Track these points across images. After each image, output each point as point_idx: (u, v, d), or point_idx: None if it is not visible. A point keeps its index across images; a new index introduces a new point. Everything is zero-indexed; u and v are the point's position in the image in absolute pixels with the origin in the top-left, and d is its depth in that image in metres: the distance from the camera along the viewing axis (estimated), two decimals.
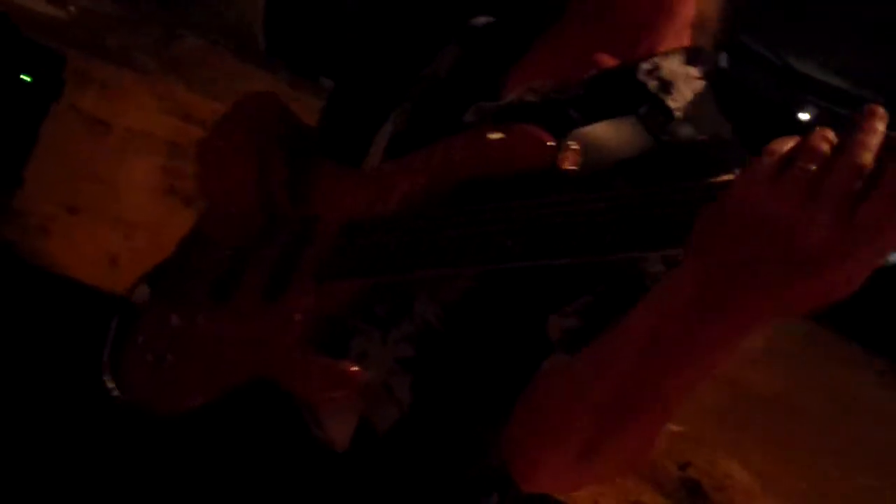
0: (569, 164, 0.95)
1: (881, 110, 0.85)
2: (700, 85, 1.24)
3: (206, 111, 7.95)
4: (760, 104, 23.83)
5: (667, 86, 1.20)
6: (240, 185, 1.25)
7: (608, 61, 1.21)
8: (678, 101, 1.19)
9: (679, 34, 1.26)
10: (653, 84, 1.20)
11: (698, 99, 1.21)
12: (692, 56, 1.25)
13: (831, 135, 0.88)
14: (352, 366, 1.13)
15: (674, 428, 6.45)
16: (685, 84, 1.21)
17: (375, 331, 1.21)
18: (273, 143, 1.28)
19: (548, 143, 0.99)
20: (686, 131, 1.15)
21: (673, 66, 1.23)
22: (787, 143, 0.92)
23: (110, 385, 1.34)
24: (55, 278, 3.75)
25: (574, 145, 0.96)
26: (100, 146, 5.91)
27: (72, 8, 10.04)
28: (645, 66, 1.21)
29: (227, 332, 1.24)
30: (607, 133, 1.07)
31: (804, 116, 25.53)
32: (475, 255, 1.01)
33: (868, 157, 0.82)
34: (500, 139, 1.06)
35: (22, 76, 2.73)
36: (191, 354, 1.28)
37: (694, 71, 1.24)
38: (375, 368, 1.19)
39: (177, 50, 10.72)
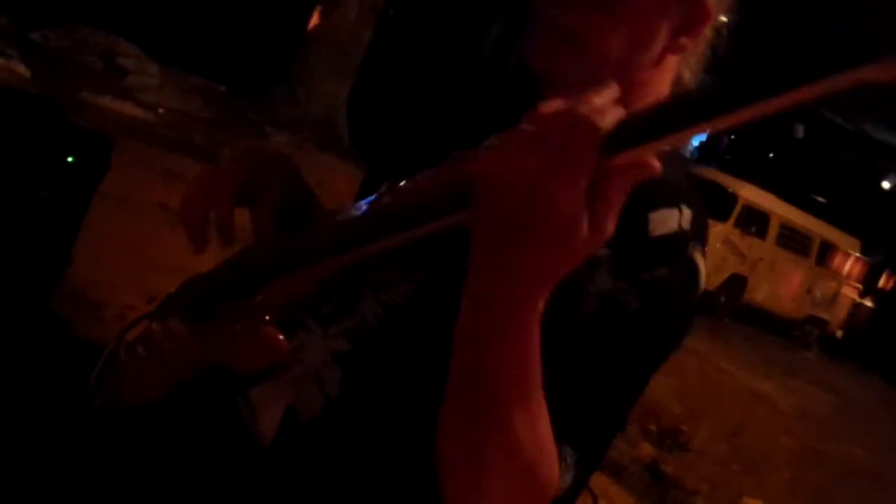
0: None
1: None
2: None
3: None
4: (842, 173, 23.59)
5: None
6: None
7: None
8: None
9: (656, 97, 1.30)
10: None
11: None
12: None
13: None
14: (279, 334, 1.19)
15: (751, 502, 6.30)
16: None
17: (318, 327, 1.28)
18: (262, 194, 1.32)
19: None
20: None
21: None
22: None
23: (92, 395, 1.39)
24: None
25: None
26: (181, 239, 6.06)
27: (160, 110, 10.36)
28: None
29: (197, 331, 1.28)
30: None
31: (886, 185, 25.15)
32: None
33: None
34: (446, 164, 1.17)
35: (67, 158, 2.85)
36: (157, 348, 1.32)
37: None
38: (310, 359, 1.26)
39: (263, 146, 10.99)
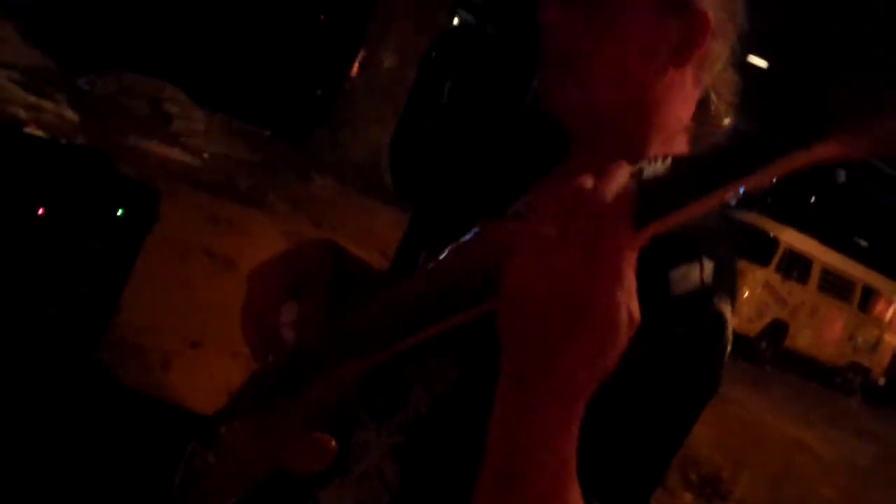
0: None
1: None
2: None
3: None
4: (884, 217, 23.42)
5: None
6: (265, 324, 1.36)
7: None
8: None
9: (668, 142, 1.30)
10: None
11: None
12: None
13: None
14: (330, 439, 1.19)
15: None
16: None
17: (372, 422, 1.28)
18: (309, 285, 1.37)
19: (510, 227, 1.06)
20: None
21: (656, 170, 1.26)
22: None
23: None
24: (161, 405, 3.89)
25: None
26: (226, 283, 6.11)
27: (206, 155, 10.49)
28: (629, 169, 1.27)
29: (259, 431, 1.32)
30: None
31: None
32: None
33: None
34: (474, 234, 1.14)
35: (117, 211, 2.93)
36: (229, 456, 1.36)
37: None
38: (370, 455, 1.26)
39: (307, 190, 11.11)
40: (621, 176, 0.91)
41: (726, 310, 1.16)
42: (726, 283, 1.18)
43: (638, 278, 0.90)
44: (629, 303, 0.87)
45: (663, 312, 1.10)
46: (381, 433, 1.27)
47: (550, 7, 1.27)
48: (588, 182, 0.89)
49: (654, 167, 1.25)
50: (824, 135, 0.79)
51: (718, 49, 1.29)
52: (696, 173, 0.90)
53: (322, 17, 14.50)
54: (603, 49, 1.25)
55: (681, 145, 1.31)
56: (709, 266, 1.15)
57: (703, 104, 1.32)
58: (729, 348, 1.19)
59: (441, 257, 1.21)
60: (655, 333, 1.07)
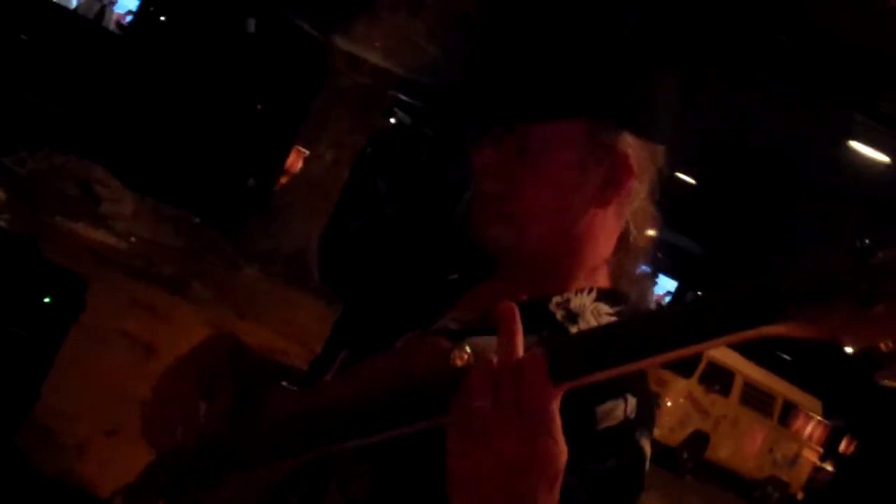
0: (460, 363, 1.03)
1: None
2: (609, 319, 1.32)
3: (256, 339, 8.12)
4: None
5: (574, 316, 1.31)
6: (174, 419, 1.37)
7: (524, 298, 1.32)
8: (582, 329, 1.30)
9: (591, 275, 1.36)
10: (560, 314, 1.31)
11: None
12: (604, 295, 1.36)
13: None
14: None
15: None
16: (593, 316, 1.32)
17: None
18: (217, 383, 1.38)
19: (442, 346, 1.08)
20: None
21: (583, 301, 1.34)
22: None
23: None
24: (73, 493, 3.79)
25: (467, 348, 1.04)
26: (144, 370, 6.02)
27: (132, 238, 10.39)
28: (556, 299, 1.32)
29: None
30: None
31: (849, 349, 25.34)
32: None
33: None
34: (401, 348, 1.22)
35: (44, 298, 2.88)
36: None
37: (605, 307, 1.34)
38: None
39: (232, 279, 11.03)
40: (517, 342, 0.99)
41: (646, 445, 1.24)
42: (647, 418, 1.25)
43: (565, 411, 0.99)
44: (560, 443, 0.97)
45: (588, 445, 1.17)
46: None
47: (484, 149, 1.34)
48: (510, 354, 0.98)
49: (580, 299, 1.34)
50: (772, 320, 0.85)
51: (638, 187, 1.35)
52: (626, 340, 0.96)
53: (259, 106, 14.55)
54: (531, 192, 1.32)
55: (603, 277, 1.38)
56: (632, 402, 1.22)
57: (623, 237, 1.38)
58: (643, 484, 1.25)
59: (369, 365, 1.22)
60: (580, 466, 1.14)
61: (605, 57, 1.33)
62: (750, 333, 0.87)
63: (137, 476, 1.45)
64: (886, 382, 0.82)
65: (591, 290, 1.35)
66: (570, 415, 0.98)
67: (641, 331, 0.95)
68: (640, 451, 1.22)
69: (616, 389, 1.20)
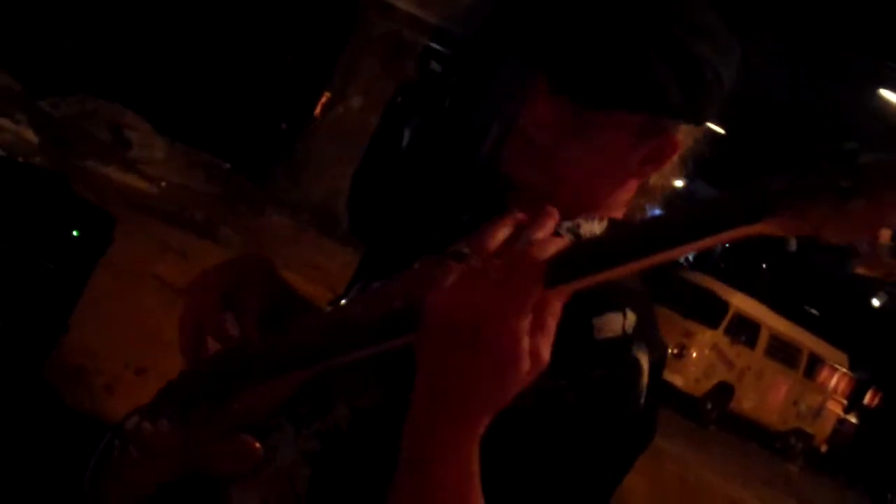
0: None
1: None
2: None
3: None
4: (833, 288, 23.74)
5: (579, 239, 1.32)
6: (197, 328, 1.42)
7: None
8: None
9: (609, 210, 1.38)
10: (569, 238, 1.29)
11: None
12: (616, 225, 1.37)
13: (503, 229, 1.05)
14: (255, 442, 1.26)
15: None
16: None
17: (291, 427, 1.32)
18: (244, 297, 1.44)
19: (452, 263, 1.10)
20: None
21: (592, 227, 1.36)
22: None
23: (86, 491, 1.47)
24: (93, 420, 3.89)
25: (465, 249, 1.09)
26: (174, 312, 6.09)
27: (163, 183, 10.47)
28: (566, 223, 1.33)
29: (183, 431, 1.36)
30: None
31: (876, 302, 25.24)
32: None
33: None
34: (416, 268, 1.24)
35: (72, 232, 2.96)
36: (150, 451, 1.40)
37: None
38: (282, 458, 1.30)
39: (261, 225, 11.11)
40: (548, 226, 1.01)
41: (643, 359, 1.23)
42: (647, 334, 1.25)
43: (563, 321, 1.00)
44: (536, 342, 0.97)
45: (583, 354, 1.18)
46: (298, 438, 1.32)
47: (540, 100, 1.33)
48: (517, 226, 1.01)
49: (590, 225, 1.35)
50: (758, 218, 0.88)
51: (670, 167, 1.38)
52: (614, 244, 0.99)
53: (289, 55, 14.55)
54: (577, 158, 1.32)
55: (618, 213, 1.39)
56: (632, 317, 1.23)
57: (643, 184, 1.40)
58: (643, 399, 1.25)
59: (382, 287, 1.27)
60: (573, 373, 1.16)
61: (665, 52, 1.29)
62: (735, 233, 0.90)
63: (154, 395, 1.51)
64: (860, 270, 0.85)
65: (602, 219, 1.37)
66: (568, 325, 1.00)
67: (633, 236, 0.99)
68: (636, 363, 1.22)
69: (616, 303, 1.21)
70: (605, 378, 1.19)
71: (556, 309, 0.98)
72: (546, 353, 0.98)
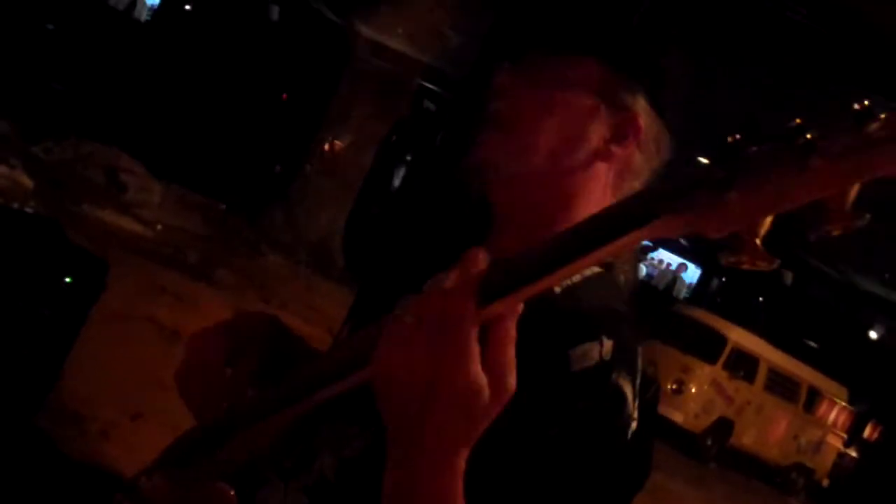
0: None
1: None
2: (593, 272, 1.32)
3: None
4: (830, 321, 23.75)
5: (571, 290, 1.29)
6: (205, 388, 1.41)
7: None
8: (563, 288, 1.29)
9: (584, 202, 1.36)
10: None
11: (586, 281, 1.30)
12: None
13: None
14: (229, 489, 1.24)
15: None
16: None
17: (279, 481, 1.32)
18: (245, 355, 1.43)
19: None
20: (560, 300, 1.25)
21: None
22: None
23: None
24: (98, 473, 3.86)
25: None
26: (170, 355, 6.07)
27: (159, 226, 10.47)
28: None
29: (175, 484, 1.36)
30: None
31: (874, 335, 25.24)
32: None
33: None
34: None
35: (66, 278, 2.96)
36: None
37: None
38: None
39: (257, 266, 11.10)
40: (472, 262, 0.98)
41: (626, 386, 1.22)
42: (626, 361, 1.24)
43: (538, 356, 1.02)
44: (495, 370, 0.94)
45: (563, 388, 1.17)
46: (287, 493, 1.31)
47: (504, 73, 1.37)
48: (443, 274, 0.98)
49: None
50: (646, 222, 0.88)
51: (639, 165, 1.38)
52: (541, 253, 0.97)
53: (284, 96, 14.61)
54: (536, 117, 1.34)
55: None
56: (608, 344, 1.21)
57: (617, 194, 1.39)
58: (633, 426, 1.24)
59: (364, 329, 1.27)
60: (555, 408, 1.15)
61: (626, 11, 1.38)
62: (631, 238, 0.90)
63: (160, 454, 1.51)
64: (727, 260, 0.84)
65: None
66: (544, 359, 1.02)
67: (551, 247, 0.97)
68: (618, 390, 1.21)
69: (590, 333, 1.20)
70: (588, 410, 1.18)
71: (505, 331, 0.96)
72: (509, 377, 0.95)
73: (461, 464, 0.98)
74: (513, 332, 0.96)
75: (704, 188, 0.83)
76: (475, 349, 0.94)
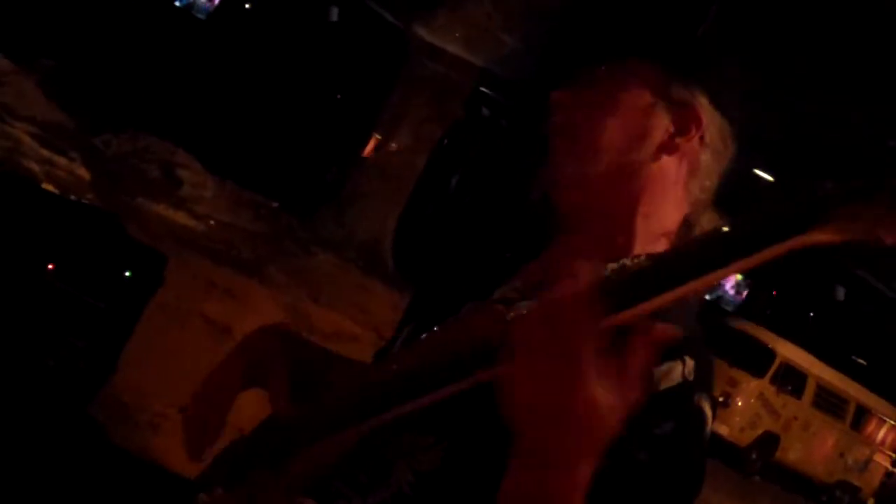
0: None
1: None
2: None
3: (329, 324, 8.21)
4: (881, 338, 23.45)
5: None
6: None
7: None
8: None
9: (652, 243, 1.36)
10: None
11: None
12: None
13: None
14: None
15: None
16: None
17: (356, 496, 1.30)
18: (271, 368, 1.46)
19: (501, 313, 1.13)
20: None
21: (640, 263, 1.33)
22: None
23: None
24: (147, 466, 3.91)
25: (522, 304, 1.09)
26: (221, 351, 6.12)
27: (211, 222, 10.55)
28: (611, 265, 1.32)
29: (239, 499, 1.37)
30: None
31: None
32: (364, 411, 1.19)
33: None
34: (461, 319, 1.26)
35: (125, 272, 3.01)
36: None
37: None
38: None
39: (308, 265, 11.15)
40: (587, 275, 0.99)
41: (706, 406, 1.23)
42: (705, 381, 1.24)
43: None
44: (619, 389, 0.97)
45: (649, 406, 1.14)
46: None
47: (562, 90, 1.40)
48: (565, 288, 0.99)
49: (636, 264, 1.30)
50: (812, 225, 0.85)
51: (707, 163, 1.40)
52: (669, 267, 0.97)
53: (339, 96, 14.68)
54: (602, 121, 1.36)
55: (663, 248, 1.37)
56: (690, 364, 1.22)
57: (687, 221, 1.40)
58: (708, 440, 1.25)
59: (431, 335, 1.27)
60: (642, 427, 1.15)
61: (683, 18, 1.40)
62: (786, 245, 0.87)
63: (209, 464, 1.52)
64: None
65: (647, 258, 1.34)
66: None
67: (682, 258, 0.96)
68: (700, 412, 1.22)
69: (673, 351, 1.20)
70: (674, 432, 1.19)
71: (639, 343, 0.97)
72: (635, 391, 0.98)
73: (583, 475, 0.99)
74: (648, 345, 0.98)
75: (884, 192, 0.82)
76: (591, 370, 0.96)
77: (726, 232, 0.92)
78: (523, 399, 0.98)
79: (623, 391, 0.97)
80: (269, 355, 1.46)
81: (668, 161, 1.37)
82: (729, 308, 23.68)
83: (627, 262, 1.33)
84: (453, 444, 1.23)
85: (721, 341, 14.95)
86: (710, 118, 1.38)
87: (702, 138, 1.38)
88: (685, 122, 1.37)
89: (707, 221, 1.42)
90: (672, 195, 1.39)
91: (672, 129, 1.37)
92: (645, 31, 1.42)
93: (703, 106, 1.38)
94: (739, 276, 22.91)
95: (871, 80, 10.96)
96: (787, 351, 16.10)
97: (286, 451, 1.31)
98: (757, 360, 15.54)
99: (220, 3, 14.71)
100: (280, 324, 1.55)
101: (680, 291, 0.94)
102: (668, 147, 1.37)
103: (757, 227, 0.89)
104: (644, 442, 1.16)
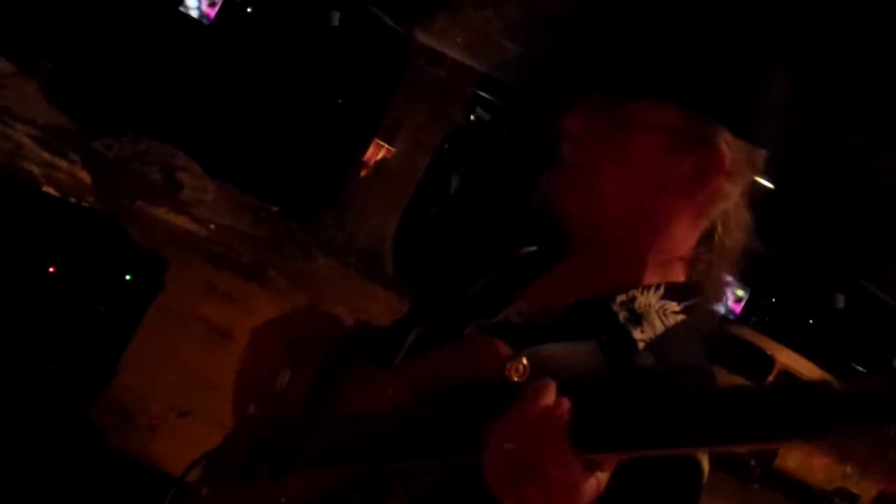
0: (516, 377, 1.05)
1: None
2: (677, 318, 1.27)
3: None
4: (881, 346, 23.44)
5: (637, 318, 1.25)
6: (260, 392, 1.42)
7: (590, 292, 1.28)
8: (646, 332, 1.24)
9: (665, 267, 1.30)
10: (623, 315, 1.25)
11: (671, 331, 1.25)
12: (674, 291, 1.29)
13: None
14: None
15: None
16: (658, 316, 1.26)
17: None
18: (301, 355, 1.43)
19: (501, 355, 1.09)
20: (646, 361, 1.21)
21: (648, 299, 1.28)
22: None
23: None
24: (144, 469, 3.92)
25: (524, 360, 1.05)
26: (218, 354, 6.13)
27: (212, 225, 10.56)
28: (620, 297, 1.26)
29: (238, 500, 1.36)
30: (562, 354, 1.16)
31: None
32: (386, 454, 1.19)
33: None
34: (461, 347, 1.20)
35: (125, 276, 3.01)
36: None
37: (673, 305, 1.27)
38: None
39: (307, 268, 11.16)
40: (557, 405, 0.99)
41: (704, 460, 1.19)
42: None
43: None
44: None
45: (641, 461, 1.13)
46: None
47: (572, 119, 1.29)
48: (536, 405, 0.99)
49: (646, 298, 1.27)
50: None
51: (730, 188, 1.28)
52: (681, 418, 0.92)
53: (340, 100, 14.69)
54: (611, 169, 1.26)
55: (677, 273, 1.31)
56: None
57: (707, 237, 1.32)
58: (701, 493, 1.21)
59: (432, 359, 1.23)
60: (634, 480, 1.11)
61: (704, 41, 1.26)
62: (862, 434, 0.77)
63: (211, 451, 1.51)
64: None
65: (658, 287, 1.28)
66: None
67: (699, 409, 0.89)
68: (696, 466, 1.17)
69: None
70: (667, 488, 1.15)
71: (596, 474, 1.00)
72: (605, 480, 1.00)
73: None
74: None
75: None
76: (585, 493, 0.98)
77: (786, 394, 0.82)
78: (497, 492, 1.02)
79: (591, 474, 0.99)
80: (310, 340, 1.43)
81: (682, 203, 1.28)
82: (728, 315, 23.67)
83: (638, 293, 1.27)
84: (448, 471, 1.20)
85: (720, 348, 14.94)
86: (734, 153, 1.25)
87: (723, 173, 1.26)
88: (705, 167, 1.24)
89: (732, 224, 1.33)
90: (688, 220, 1.30)
91: (689, 174, 1.25)
92: (647, 38, 1.31)
93: (727, 142, 1.24)
94: (740, 291, 22.94)
95: (873, 90, 10.96)
96: (787, 358, 16.08)
97: (288, 465, 1.30)
98: (756, 367, 15.51)
99: (221, 6, 14.71)
100: (332, 313, 1.49)
101: (689, 451, 0.95)
102: (683, 193, 1.26)
103: (842, 403, 0.81)
104: (635, 496, 1.12)
